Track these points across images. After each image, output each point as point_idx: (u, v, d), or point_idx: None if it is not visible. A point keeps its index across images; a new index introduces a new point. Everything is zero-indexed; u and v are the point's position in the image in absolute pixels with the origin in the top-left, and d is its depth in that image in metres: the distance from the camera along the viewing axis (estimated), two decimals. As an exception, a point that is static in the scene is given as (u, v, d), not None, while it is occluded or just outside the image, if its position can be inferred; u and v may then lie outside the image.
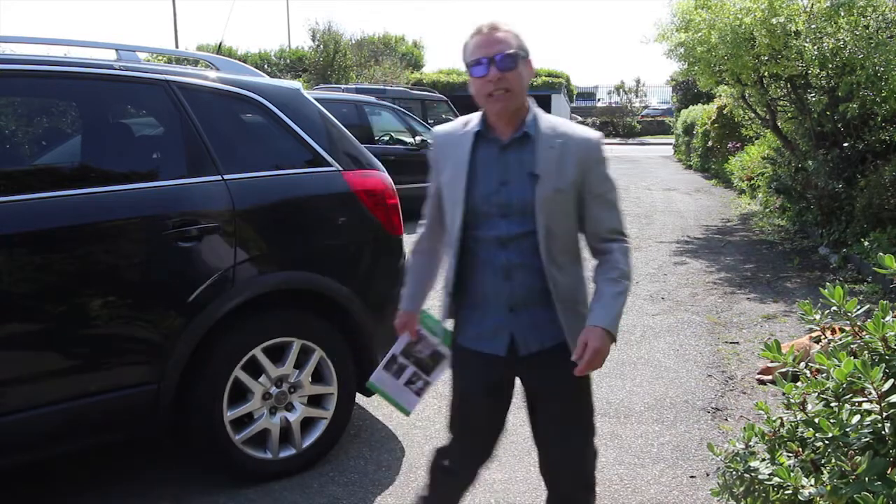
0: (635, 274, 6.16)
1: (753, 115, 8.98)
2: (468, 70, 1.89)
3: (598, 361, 1.82)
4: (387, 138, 10.15)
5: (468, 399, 2.13)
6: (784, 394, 1.88)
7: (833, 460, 1.64)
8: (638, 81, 35.88)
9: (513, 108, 1.88)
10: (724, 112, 12.73)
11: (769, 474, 1.74)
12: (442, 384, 4.12)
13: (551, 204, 1.86)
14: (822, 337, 2.00)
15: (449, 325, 2.12)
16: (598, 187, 1.91)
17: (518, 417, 3.67)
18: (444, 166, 2.06)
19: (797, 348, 3.86)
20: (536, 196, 1.85)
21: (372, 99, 10.68)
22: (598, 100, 42.60)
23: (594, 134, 1.95)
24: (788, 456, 1.78)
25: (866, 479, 1.49)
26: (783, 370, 2.15)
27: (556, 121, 1.95)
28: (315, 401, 3.12)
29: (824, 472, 1.64)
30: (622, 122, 36.16)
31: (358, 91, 12.54)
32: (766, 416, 1.91)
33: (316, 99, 3.46)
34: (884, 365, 1.64)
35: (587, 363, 1.81)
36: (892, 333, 1.72)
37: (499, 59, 1.82)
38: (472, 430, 2.16)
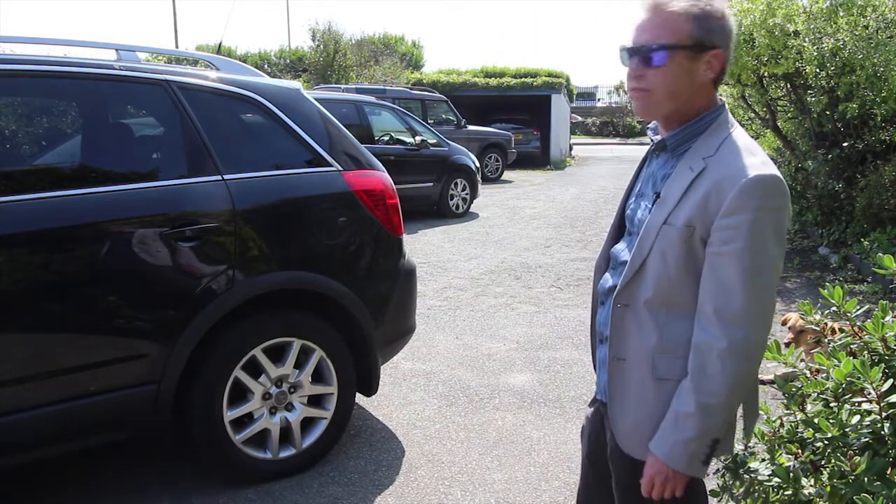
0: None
1: (753, 115, 8.98)
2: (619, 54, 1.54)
3: (658, 491, 1.47)
4: (387, 138, 10.17)
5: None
6: (784, 394, 1.88)
7: (833, 461, 1.64)
8: (638, 81, 35.81)
9: (653, 113, 1.51)
10: (724, 112, 12.70)
11: (769, 475, 1.74)
12: (443, 384, 4.14)
13: (657, 236, 1.46)
14: (822, 337, 2.00)
15: None
16: (718, 243, 1.38)
17: (518, 417, 3.69)
18: None
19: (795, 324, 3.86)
20: (647, 220, 1.48)
21: (372, 99, 10.70)
22: (598, 100, 42.60)
23: (758, 171, 1.37)
24: (788, 456, 1.78)
25: (866, 479, 1.49)
26: (784, 371, 2.15)
27: (732, 142, 1.44)
28: (315, 401, 3.12)
29: (824, 472, 1.64)
30: (622, 122, 36.18)
31: (358, 91, 12.57)
32: (765, 417, 1.91)
33: (316, 99, 3.46)
34: (883, 365, 1.64)
35: (646, 493, 1.50)
36: (892, 333, 1.72)
37: (643, 51, 1.44)
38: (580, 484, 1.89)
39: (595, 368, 1.70)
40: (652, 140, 1.60)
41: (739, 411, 1.57)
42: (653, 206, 1.49)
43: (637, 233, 1.52)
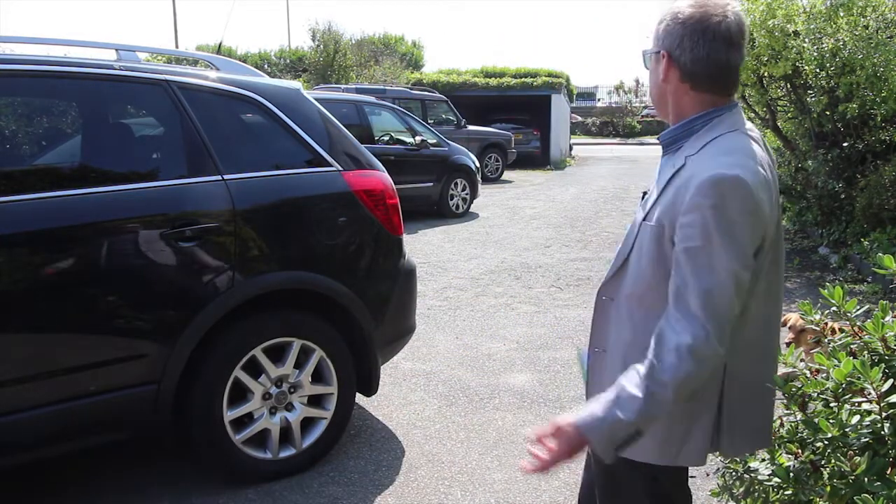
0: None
1: (753, 115, 8.98)
2: None
3: (551, 447, 1.40)
4: (387, 138, 10.17)
5: None
6: (784, 394, 1.88)
7: (833, 461, 1.64)
8: (637, 81, 35.83)
9: (663, 115, 1.56)
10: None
11: (769, 475, 1.74)
12: (443, 384, 4.14)
13: (638, 233, 1.50)
14: (822, 337, 2.00)
15: None
16: (679, 240, 1.37)
17: (518, 417, 3.69)
18: None
19: (795, 323, 3.86)
20: (635, 217, 1.55)
21: (372, 99, 10.70)
22: (598, 100, 42.57)
23: (719, 170, 1.35)
24: (788, 456, 1.78)
25: (866, 479, 1.49)
26: (784, 371, 2.15)
27: (718, 142, 1.44)
28: (315, 401, 3.12)
29: (824, 472, 1.64)
30: (622, 122, 36.16)
31: (358, 91, 12.57)
32: (765, 417, 1.91)
33: (316, 99, 3.46)
34: (883, 365, 1.64)
35: (539, 455, 1.42)
36: (892, 333, 1.72)
37: None
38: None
39: None
40: None
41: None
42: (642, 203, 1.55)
43: None
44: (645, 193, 1.59)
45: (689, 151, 1.46)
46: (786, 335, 3.96)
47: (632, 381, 1.36)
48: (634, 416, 1.34)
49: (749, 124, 1.53)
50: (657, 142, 1.63)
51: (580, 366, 1.88)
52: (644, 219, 1.49)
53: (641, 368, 1.36)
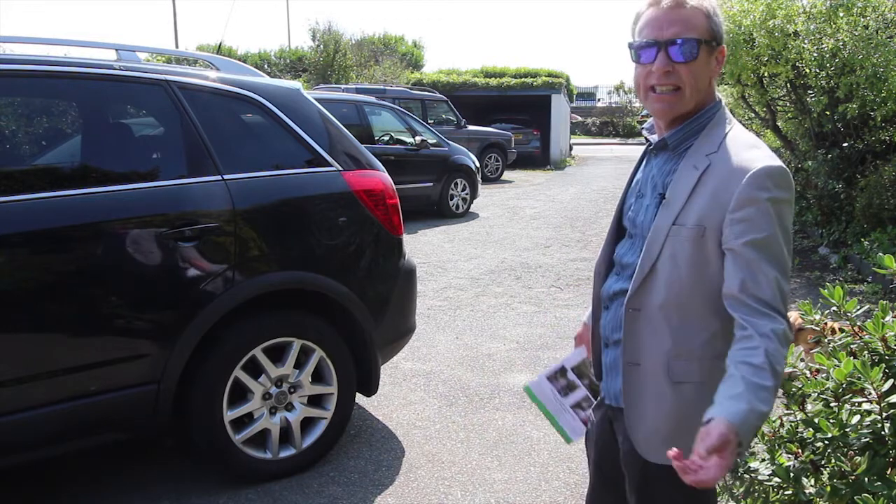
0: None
1: (753, 115, 8.97)
2: (630, 51, 1.48)
3: (705, 471, 1.19)
4: (387, 138, 10.17)
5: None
6: (784, 394, 1.88)
7: (833, 460, 1.64)
8: (637, 81, 35.83)
9: (678, 111, 1.47)
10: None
11: (769, 475, 1.74)
12: (443, 384, 4.14)
13: (667, 238, 1.43)
14: (822, 337, 2.00)
15: None
16: (733, 237, 1.36)
17: (518, 417, 3.69)
18: None
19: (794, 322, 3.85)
20: (654, 223, 1.46)
21: (372, 99, 10.70)
22: (598, 100, 42.61)
23: (764, 162, 1.37)
24: (788, 456, 1.78)
25: (866, 479, 1.49)
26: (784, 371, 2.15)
27: (734, 137, 1.44)
28: (315, 401, 3.12)
29: (824, 472, 1.64)
30: (622, 122, 36.19)
31: (358, 91, 12.56)
32: (765, 416, 1.91)
33: (316, 99, 3.46)
34: (883, 365, 1.64)
35: (687, 468, 1.20)
36: (892, 333, 1.73)
37: (672, 45, 1.41)
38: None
39: (600, 373, 1.65)
40: (647, 140, 1.58)
41: None
42: (657, 208, 1.47)
43: (640, 235, 1.50)
44: (663, 197, 1.49)
45: (708, 149, 1.44)
46: None
47: (750, 372, 1.27)
48: (769, 407, 1.27)
49: None
50: (648, 142, 1.59)
51: (534, 401, 1.81)
52: (674, 223, 1.43)
53: (755, 358, 1.28)
